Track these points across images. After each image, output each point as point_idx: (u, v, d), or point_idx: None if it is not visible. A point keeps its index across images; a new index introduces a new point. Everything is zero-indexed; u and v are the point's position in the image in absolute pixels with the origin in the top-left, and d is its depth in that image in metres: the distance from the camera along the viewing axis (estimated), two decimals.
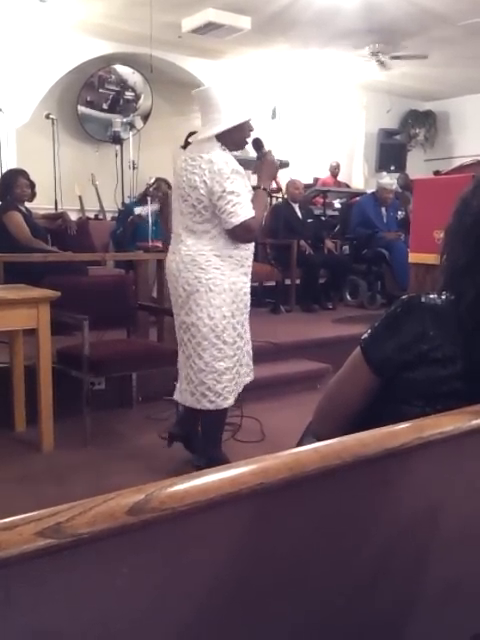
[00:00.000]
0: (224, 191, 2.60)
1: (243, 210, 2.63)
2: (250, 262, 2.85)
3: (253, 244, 2.86)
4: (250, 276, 2.89)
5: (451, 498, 0.98)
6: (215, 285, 2.69)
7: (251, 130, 2.79)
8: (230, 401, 2.80)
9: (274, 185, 3.23)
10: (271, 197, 7.55)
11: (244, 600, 0.79)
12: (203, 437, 2.99)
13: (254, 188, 2.82)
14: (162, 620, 0.72)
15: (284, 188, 6.91)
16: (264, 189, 2.81)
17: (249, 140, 2.83)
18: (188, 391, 2.79)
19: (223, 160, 2.64)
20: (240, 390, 2.90)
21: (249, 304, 2.92)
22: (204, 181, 2.63)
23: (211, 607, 0.76)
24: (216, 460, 2.89)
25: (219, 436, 2.96)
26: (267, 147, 2.92)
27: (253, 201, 2.72)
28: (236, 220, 2.62)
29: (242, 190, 2.66)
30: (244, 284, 2.80)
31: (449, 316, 1.14)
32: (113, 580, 0.66)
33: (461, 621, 1.12)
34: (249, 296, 2.88)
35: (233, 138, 2.72)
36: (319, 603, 0.88)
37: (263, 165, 2.85)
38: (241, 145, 2.81)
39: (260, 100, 8.17)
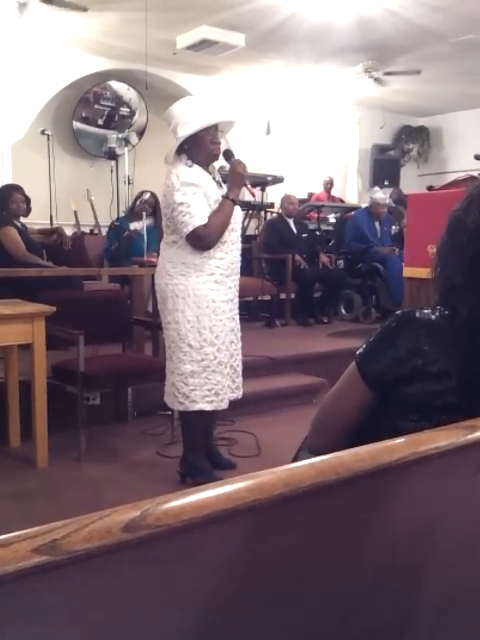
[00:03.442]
0: (175, 203, 2.75)
1: (193, 219, 2.74)
2: (225, 271, 2.87)
3: (233, 255, 2.91)
4: (230, 285, 2.92)
5: (447, 512, 0.98)
6: (179, 291, 2.82)
7: (215, 142, 2.85)
8: (200, 405, 2.83)
9: (252, 196, 3.30)
10: (266, 212, 7.61)
11: (241, 616, 0.79)
12: (183, 443, 3.04)
13: (224, 197, 2.87)
14: (159, 636, 0.71)
15: (279, 203, 6.95)
16: (228, 198, 2.85)
17: (218, 152, 2.90)
18: (166, 391, 2.93)
19: (175, 174, 2.77)
20: (224, 405, 2.91)
21: (233, 316, 2.95)
22: (164, 195, 2.83)
23: (208, 623, 0.75)
24: (194, 466, 2.92)
25: (197, 442, 3.00)
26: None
27: (217, 210, 2.81)
28: (186, 229, 2.75)
29: (193, 200, 2.75)
30: (211, 291, 2.83)
31: (444, 331, 1.15)
32: (109, 597, 0.66)
33: (460, 634, 1.11)
34: (228, 306, 2.91)
35: (196, 152, 2.82)
36: (316, 618, 0.87)
37: (231, 175, 2.93)
38: (208, 157, 2.87)
39: (254, 116, 8.23)
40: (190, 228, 2.73)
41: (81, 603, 0.64)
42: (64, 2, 5.46)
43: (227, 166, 3.01)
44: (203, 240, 2.77)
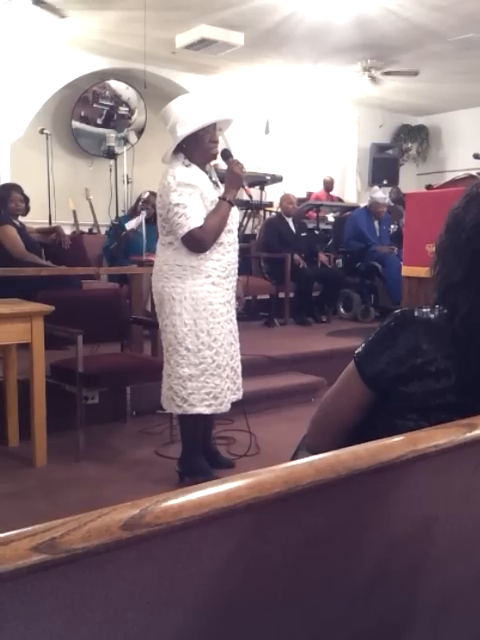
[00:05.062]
0: (170, 204, 2.72)
1: (189, 221, 2.70)
2: (222, 273, 2.84)
3: (231, 256, 2.88)
4: (228, 287, 2.88)
5: (445, 510, 0.98)
6: (176, 293, 2.79)
7: (213, 141, 2.82)
8: (198, 409, 2.81)
9: (249, 197, 3.28)
10: (264, 211, 7.61)
11: (240, 614, 0.79)
12: (182, 443, 3.03)
13: (220, 199, 2.83)
14: (158, 635, 0.71)
15: (277, 202, 6.95)
16: (225, 199, 2.80)
17: (217, 151, 2.86)
18: (163, 393, 2.91)
19: (171, 174, 2.73)
20: (225, 408, 2.89)
21: (230, 318, 2.92)
22: (160, 195, 2.79)
23: (207, 621, 0.75)
24: (192, 467, 2.92)
25: (195, 442, 2.99)
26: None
27: (213, 212, 2.77)
28: (182, 231, 2.72)
29: (189, 201, 2.71)
30: (209, 294, 2.80)
31: (443, 330, 1.15)
32: (108, 595, 0.66)
33: (457, 633, 1.11)
34: (226, 308, 2.88)
35: (194, 151, 2.79)
36: (315, 616, 0.88)
37: (228, 176, 2.88)
38: (206, 157, 2.84)
39: (253, 115, 8.23)
40: (185, 230, 2.70)
41: (80, 601, 0.64)
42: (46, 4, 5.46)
43: (224, 164, 2.98)
44: (199, 242, 2.74)
